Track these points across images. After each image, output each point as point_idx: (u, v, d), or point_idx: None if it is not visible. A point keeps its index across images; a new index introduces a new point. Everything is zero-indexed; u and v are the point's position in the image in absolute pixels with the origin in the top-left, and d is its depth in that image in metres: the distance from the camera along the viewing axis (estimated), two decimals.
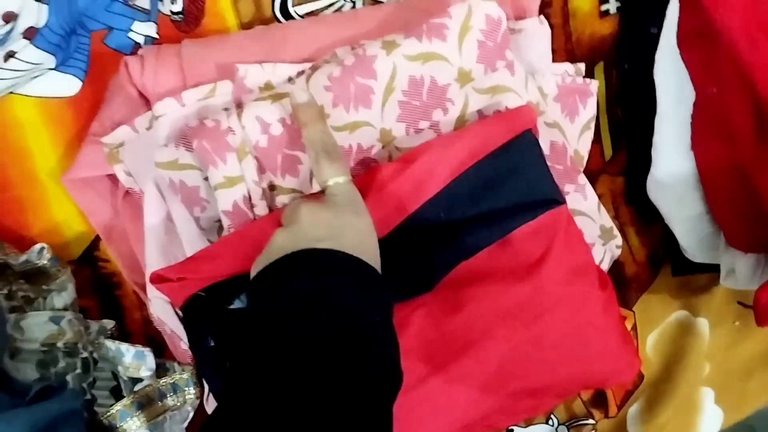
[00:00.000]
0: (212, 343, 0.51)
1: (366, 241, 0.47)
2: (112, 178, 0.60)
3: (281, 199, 0.54)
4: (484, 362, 0.54)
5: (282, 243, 0.46)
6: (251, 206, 0.54)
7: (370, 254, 0.47)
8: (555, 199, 0.54)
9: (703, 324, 0.68)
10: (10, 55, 0.57)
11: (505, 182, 0.53)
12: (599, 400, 0.68)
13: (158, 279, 0.52)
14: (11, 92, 0.59)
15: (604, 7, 0.65)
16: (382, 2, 0.63)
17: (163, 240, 0.56)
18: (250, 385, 0.42)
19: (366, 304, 0.45)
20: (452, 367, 0.54)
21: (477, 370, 0.54)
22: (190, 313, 0.52)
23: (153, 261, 0.56)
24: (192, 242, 0.55)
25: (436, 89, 0.55)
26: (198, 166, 0.54)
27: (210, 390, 0.56)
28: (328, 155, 0.49)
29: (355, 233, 0.47)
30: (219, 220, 0.55)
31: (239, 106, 0.55)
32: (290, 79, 0.55)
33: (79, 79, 0.60)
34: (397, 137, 0.56)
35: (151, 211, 0.56)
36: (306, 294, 0.44)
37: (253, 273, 0.47)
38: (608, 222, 0.61)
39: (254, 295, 0.47)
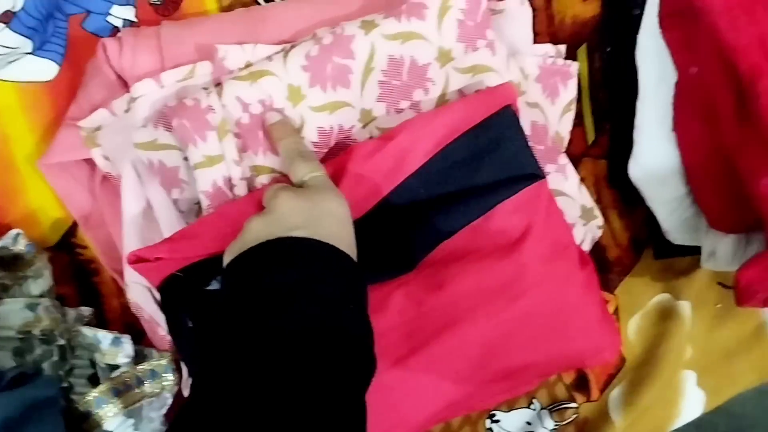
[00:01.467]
0: (190, 324, 0.50)
1: (342, 230, 0.47)
2: (90, 163, 0.59)
3: (261, 180, 0.54)
4: (466, 341, 0.54)
5: (257, 230, 0.46)
6: (231, 186, 0.53)
7: (346, 243, 0.47)
8: (535, 173, 0.54)
9: (685, 307, 0.68)
10: None
11: (485, 157, 0.53)
12: (581, 384, 0.68)
13: (136, 259, 0.51)
14: None
15: None
16: None
17: (141, 225, 0.56)
18: (224, 374, 0.41)
19: (341, 293, 0.45)
20: (433, 346, 0.54)
21: (458, 349, 0.54)
22: (168, 293, 0.51)
23: (131, 246, 0.55)
24: (170, 225, 0.54)
25: (417, 69, 0.55)
26: (177, 145, 0.54)
27: (189, 373, 0.56)
28: (303, 157, 0.51)
29: (331, 222, 0.47)
30: (198, 203, 0.55)
31: (218, 85, 0.54)
32: (270, 59, 0.55)
33: (57, 63, 0.59)
34: (378, 117, 0.55)
35: (130, 196, 0.56)
36: (281, 282, 0.44)
37: (226, 259, 0.47)
38: (589, 202, 0.61)
39: (228, 283, 0.46)
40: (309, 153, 0.52)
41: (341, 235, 0.47)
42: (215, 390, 0.41)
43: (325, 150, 0.55)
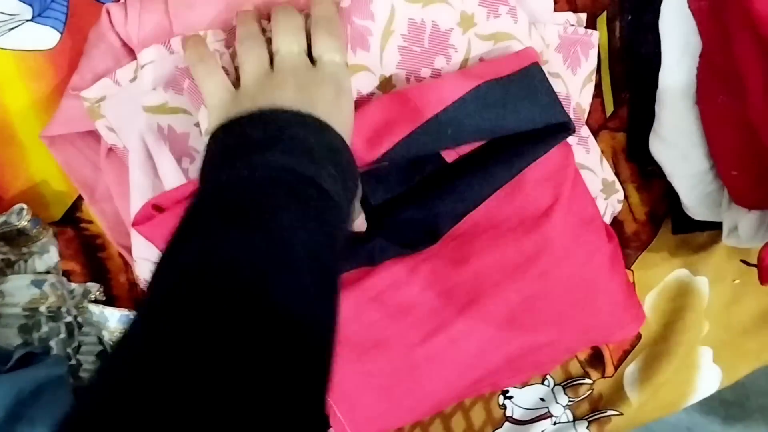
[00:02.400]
0: None
1: (340, 117, 0.46)
2: (95, 135, 0.58)
3: None
4: (493, 316, 0.53)
5: (252, 91, 0.45)
6: None
7: (342, 128, 0.45)
8: (566, 123, 0.52)
9: (702, 282, 0.67)
10: None
11: (515, 103, 0.51)
12: (596, 360, 0.67)
13: (140, 221, 0.49)
14: None
15: None
16: None
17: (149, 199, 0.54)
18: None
19: (323, 155, 0.43)
20: (460, 322, 0.53)
21: (485, 324, 0.53)
22: None
23: (139, 249, 0.54)
24: None
25: (438, 35, 0.53)
26: (188, 109, 0.52)
27: None
28: (330, 30, 0.49)
29: (330, 109, 0.45)
30: None
31: (231, 48, 0.52)
32: None
33: (58, 30, 0.57)
34: (398, 85, 0.53)
35: (137, 168, 0.54)
36: (263, 136, 0.42)
37: (218, 111, 0.45)
38: (610, 176, 0.60)
39: (211, 139, 0.44)
40: (338, 28, 0.49)
41: (336, 121, 0.45)
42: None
43: None
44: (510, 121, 0.51)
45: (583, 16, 0.60)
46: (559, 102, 0.52)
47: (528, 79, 0.51)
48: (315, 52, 0.49)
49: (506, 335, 0.54)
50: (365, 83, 0.53)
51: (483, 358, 0.54)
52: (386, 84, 0.53)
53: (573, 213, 0.54)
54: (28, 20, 0.56)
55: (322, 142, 0.44)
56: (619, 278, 0.57)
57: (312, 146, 0.43)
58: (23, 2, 0.55)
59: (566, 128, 0.52)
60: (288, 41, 0.48)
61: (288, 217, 0.39)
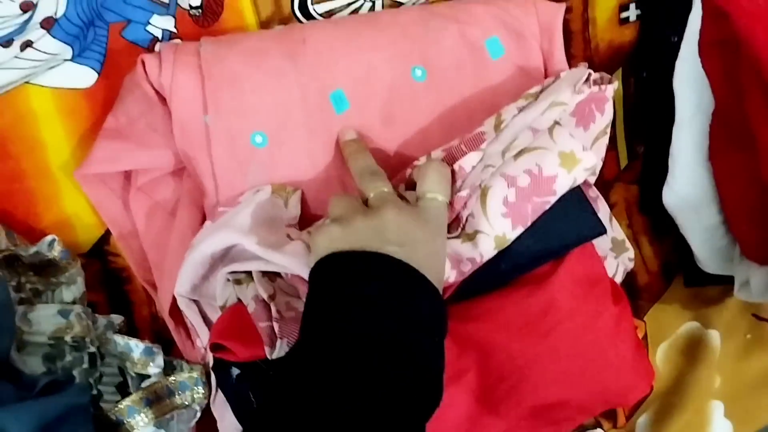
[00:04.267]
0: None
1: (436, 262, 0.48)
2: (126, 174, 0.60)
3: None
4: (500, 376, 0.54)
5: (359, 233, 0.46)
6: None
7: (435, 275, 0.47)
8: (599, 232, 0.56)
9: (714, 336, 0.67)
10: (27, 44, 0.57)
11: (556, 224, 0.54)
12: (608, 411, 0.67)
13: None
14: (27, 82, 0.59)
15: (624, 15, 0.65)
16: (402, 3, 0.62)
17: (199, 274, 0.55)
18: (295, 378, 0.43)
19: (420, 318, 0.45)
20: (467, 381, 0.54)
21: (492, 383, 0.54)
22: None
23: (181, 287, 0.55)
24: None
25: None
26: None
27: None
28: (372, 173, 0.52)
29: (427, 249, 0.48)
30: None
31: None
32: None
33: (95, 71, 0.60)
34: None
35: (208, 243, 0.54)
36: (365, 294, 0.45)
37: (320, 248, 0.47)
38: (620, 234, 0.61)
39: (314, 285, 0.47)
40: (380, 172, 0.52)
41: (432, 266, 0.47)
42: (286, 392, 0.43)
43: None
44: (553, 243, 0.54)
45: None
46: (596, 214, 0.56)
47: (566, 201, 0.54)
48: (364, 194, 0.51)
49: (514, 395, 0.55)
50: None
51: (492, 417, 0.55)
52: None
53: (577, 274, 0.55)
54: (67, 60, 0.59)
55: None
56: (627, 341, 0.57)
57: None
58: (64, 43, 0.58)
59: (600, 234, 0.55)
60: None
61: None
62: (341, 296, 0.45)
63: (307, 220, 0.56)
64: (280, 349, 0.50)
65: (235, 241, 0.52)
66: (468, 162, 0.53)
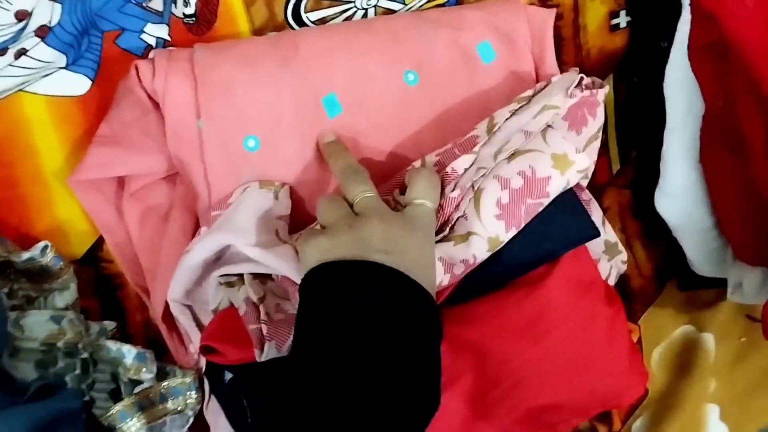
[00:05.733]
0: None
1: (426, 266, 0.49)
2: (118, 180, 0.60)
3: None
4: (495, 379, 0.54)
5: (346, 244, 0.47)
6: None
7: (426, 280, 0.48)
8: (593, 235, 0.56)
9: (708, 339, 0.67)
10: (22, 52, 0.57)
11: (549, 226, 0.55)
12: (603, 415, 0.67)
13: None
14: (21, 90, 0.59)
15: (614, 21, 0.66)
16: (394, 11, 0.63)
17: (192, 280, 0.55)
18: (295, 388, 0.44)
19: (422, 329, 0.46)
20: (462, 383, 0.54)
21: (487, 386, 0.54)
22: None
23: (174, 292, 0.55)
24: None
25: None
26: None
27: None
28: (356, 175, 0.52)
29: (416, 255, 0.48)
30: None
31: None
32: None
33: (90, 78, 0.60)
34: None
35: (202, 245, 0.54)
36: (363, 301, 0.45)
37: (310, 259, 0.47)
38: (613, 237, 0.61)
39: (305, 297, 0.47)
40: (362, 171, 0.53)
41: (423, 271, 0.48)
42: (283, 403, 0.43)
43: None
44: (547, 246, 0.55)
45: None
46: (589, 217, 0.56)
47: (559, 203, 0.55)
48: (349, 196, 0.51)
49: (509, 397, 0.54)
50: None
51: (486, 420, 0.55)
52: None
53: (571, 276, 0.55)
54: (62, 68, 0.59)
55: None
56: (621, 343, 0.57)
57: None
58: (59, 51, 0.58)
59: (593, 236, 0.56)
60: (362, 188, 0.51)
61: None
62: (333, 305, 0.45)
63: (299, 222, 0.56)
64: (269, 351, 0.50)
65: (228, 241, 0.53)
66: (460, 164, 0.54)
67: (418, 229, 0.49)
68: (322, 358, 0.44)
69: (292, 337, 0.50)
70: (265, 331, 0.50)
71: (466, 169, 0.54)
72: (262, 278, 0.54)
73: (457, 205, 0.53)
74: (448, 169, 0.53)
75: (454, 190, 0.53)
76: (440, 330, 0.48)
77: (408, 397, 0.44)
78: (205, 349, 0.53)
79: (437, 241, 0.52)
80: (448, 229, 0.53)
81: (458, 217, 0.53)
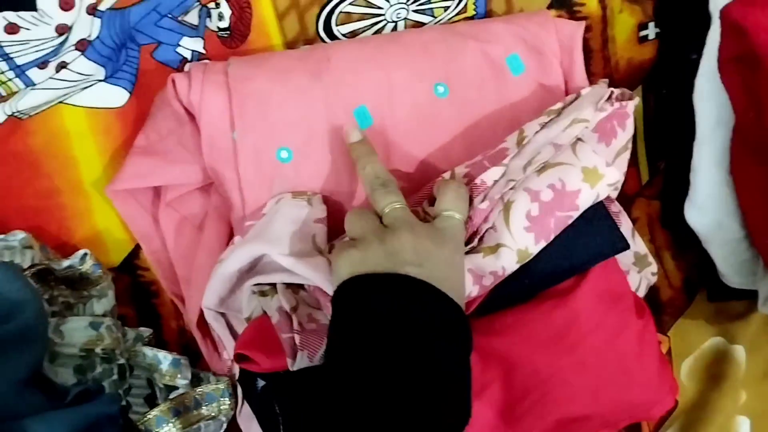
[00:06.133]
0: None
1: (456, 278, 0.49)
2: (155, 190, 0.61)
3: None
4: (524, 389, 0.54)
5: (377, 257, 0.47)
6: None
7: (456, 292, 0.48)
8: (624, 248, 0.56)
9: (739, 351, 0.67)
10: (62, 65, 0.59)
11: (578, 240, 0.55)
12: (633, 427, 0.67)
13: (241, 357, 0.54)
14: (61, 102, 0.61)
15: (643, 33, 0.66)
16: (423, 24, 0.64)
17: (226, 288, 0.56)
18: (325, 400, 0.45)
19: (453, 341, 0.47)
20: (491, 394, 0.54)
21: (517, 397, 0.54)
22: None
23: (208, 300, 0.56)
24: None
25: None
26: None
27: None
28: (383, 185, 0.52)
29: (446, 267, 0.48)
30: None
31: None
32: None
33: (127, 90, 0.61)
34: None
35: (236, 255, 0.55)
36: (401, 321, 0.45)
37: (342, 271, 0.48)
38: (643, 249, 0.61)
39: (338, 308, 0.48)
40: (390, 182, 0.53)
41: (453, 283, 0.48)
42: (317, 414, 0.44)
43: None
44: (576, 258, 0.55)
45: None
46: (618, 229, 0.56)
47: (589, 216, 0.55)
48: (378, 208, 0.52)
49: (539, 409, 0.55)
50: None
51: (519, 430, 0.55)
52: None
53: (600, 288, 0.55)
54: (100, 80, 0.61)
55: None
56: (651, 354, 0.57)
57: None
58: (97, 64, 0.60)
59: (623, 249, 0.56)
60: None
61: None
62: (365, 318, 0.46)
63: (332, 233, 0.56)
64: (301, 361, 0.51)
65: (262, 251, 0.53)
66: (490, 176, 0.54)
67: (448, 240, 0.50)
68: (355, 369, 0.45)
69: (323, 347, 0.51)
70: (297, 341, 0.51)
71: (495, 181, 0.54)
72: (295, 288, 0.55)
73: (486, 217, 0.54)
74: (478, 181, 0.54)
75: (483, 201, 0.53)
76: (470, 342, 0.48)
77: (439, 408, 0.44)
78: (238, 357, 0.54)
79: (466, 253, 0.53)
80: (476, 240, 0.53)
81: (487, 229, 0.54)
